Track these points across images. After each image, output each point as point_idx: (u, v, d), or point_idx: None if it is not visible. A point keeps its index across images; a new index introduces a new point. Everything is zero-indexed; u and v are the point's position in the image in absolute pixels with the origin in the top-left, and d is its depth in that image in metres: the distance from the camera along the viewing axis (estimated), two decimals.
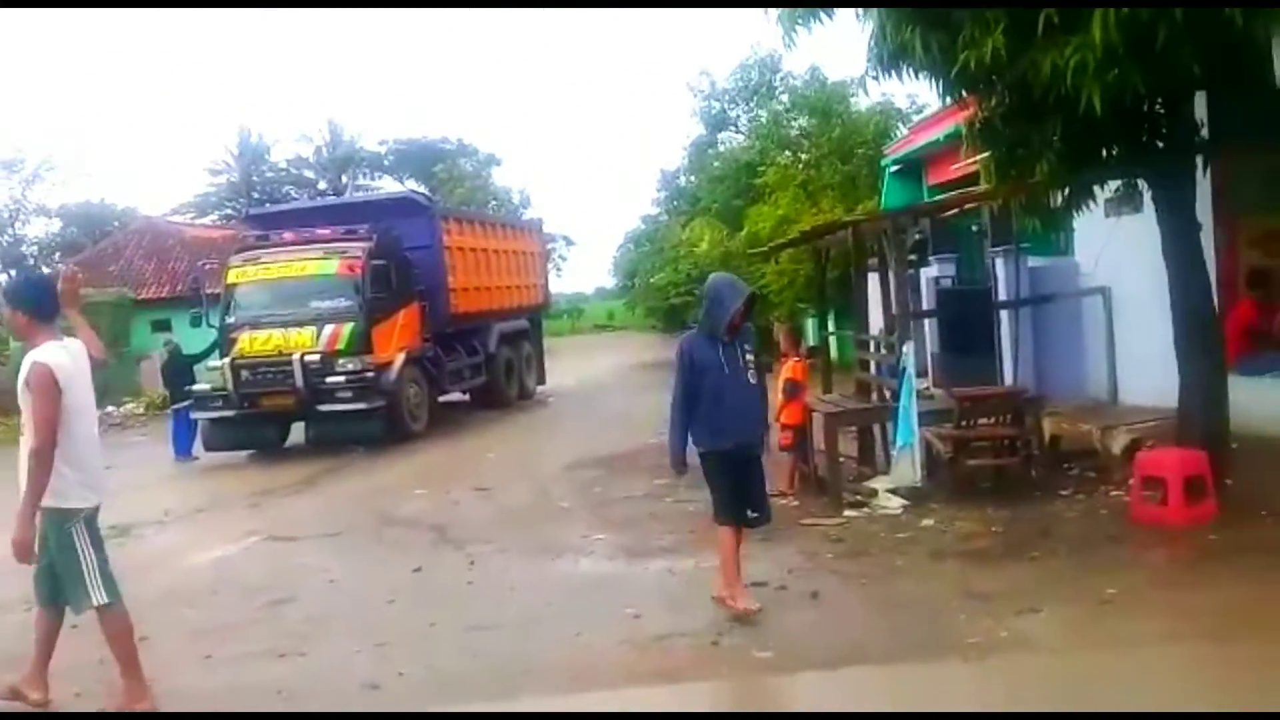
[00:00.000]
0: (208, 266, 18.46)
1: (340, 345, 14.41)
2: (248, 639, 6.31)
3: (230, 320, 15.08)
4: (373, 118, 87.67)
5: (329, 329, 14.51)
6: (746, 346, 6.01)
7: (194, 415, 15.07)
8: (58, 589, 5.13)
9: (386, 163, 51.56)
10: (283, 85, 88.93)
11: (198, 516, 10.84)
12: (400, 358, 15.03)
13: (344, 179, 50.10)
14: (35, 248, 42.32)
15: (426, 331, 16.21)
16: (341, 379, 14.17)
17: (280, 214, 19.98)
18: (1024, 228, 9.94)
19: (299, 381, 14.14)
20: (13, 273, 40.65)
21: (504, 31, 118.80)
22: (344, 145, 50.69)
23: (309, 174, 51.62)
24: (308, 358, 14.17)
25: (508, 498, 10.45)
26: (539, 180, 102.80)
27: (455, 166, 44.36)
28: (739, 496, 6.06)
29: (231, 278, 15.42)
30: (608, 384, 23.79)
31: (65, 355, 4.96)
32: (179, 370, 15.79)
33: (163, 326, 25.92)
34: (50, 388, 4.81)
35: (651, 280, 30.50)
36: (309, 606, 6.99)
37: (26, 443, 4.89)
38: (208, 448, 15.04)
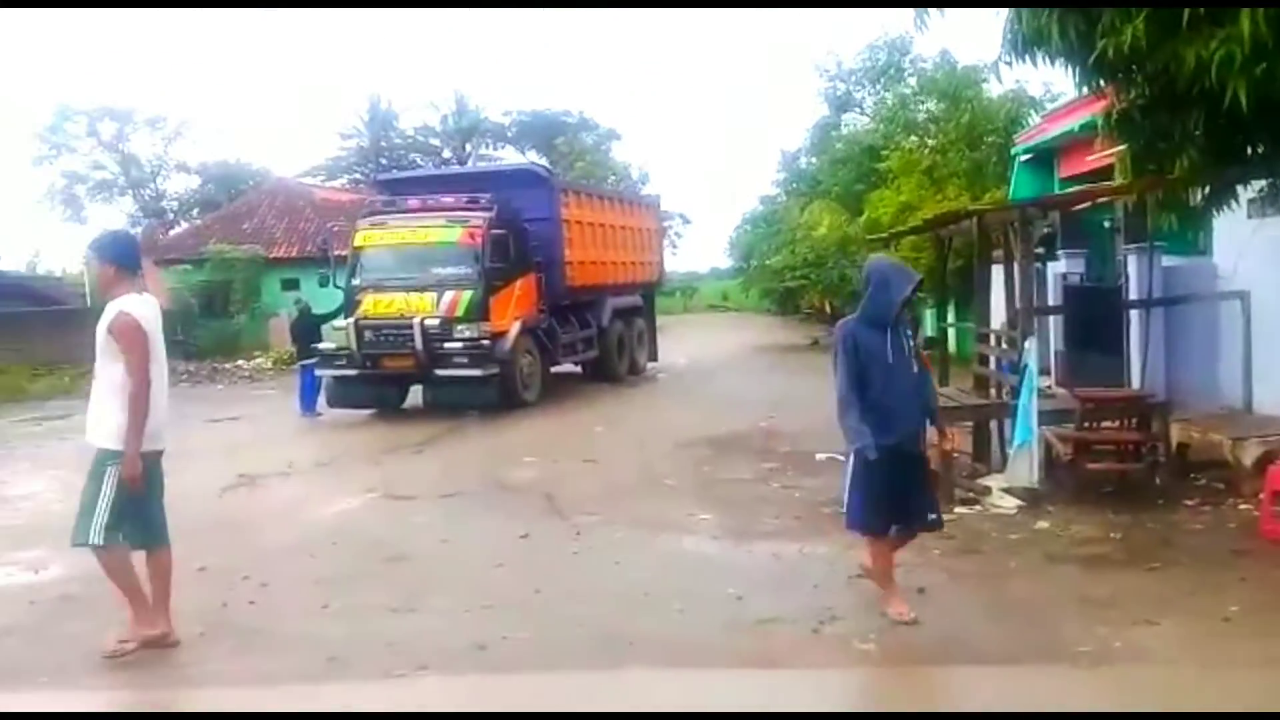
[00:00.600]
0: (335, 229, 19.00)
1: (459, 312, 14.73)
2: (363, 591, 6.55)
3: (356, 282, 15.53)
4: (498, 88, 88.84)
5: (449, 295, 14.84)
6: (909, 334, 5.73)
7: (319, 372, 15.59)
8: (149, 529, 5.46)
9: (509, 134, 52.21)
10: (414, 53, 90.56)
11: (320, 470, 11.27)
12: (515, 327, 15.30)
13: (467, 148, 50.97)
14: (175, 202, 44.31)
15: (542, 303, 16.43)
16: (458, 345, 14.54)
17: (407, 180, 20.33)
18: (1160, 225, 9.57)
19: (418, 345, 14.52)
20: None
21: (631, 6, 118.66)
22: (469, 115, 51.49)
23: (434, 142, 52.64)
24: (427, 322, 14.54)
25: (615, 471, 10.56)
26: (658, 157, 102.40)
27: (576, 140, 44.69)
28: (894, 501, 5.59)
29: (359, 240, 15.89)
30: (719, 365, 23.72)
31: (146, 307, 5.34)
32: (307, 329, 16.38)
33: (291, 285, 26.94)
34: (138, 334, 5.19)
35: (768, 262, 30.23)
36: (421, 564, 7.23)
37: (107, 390, 5.27)
38: (331, 404, 15.52)
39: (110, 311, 5.26)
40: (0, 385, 19.90)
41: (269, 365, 24.92)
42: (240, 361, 25.08)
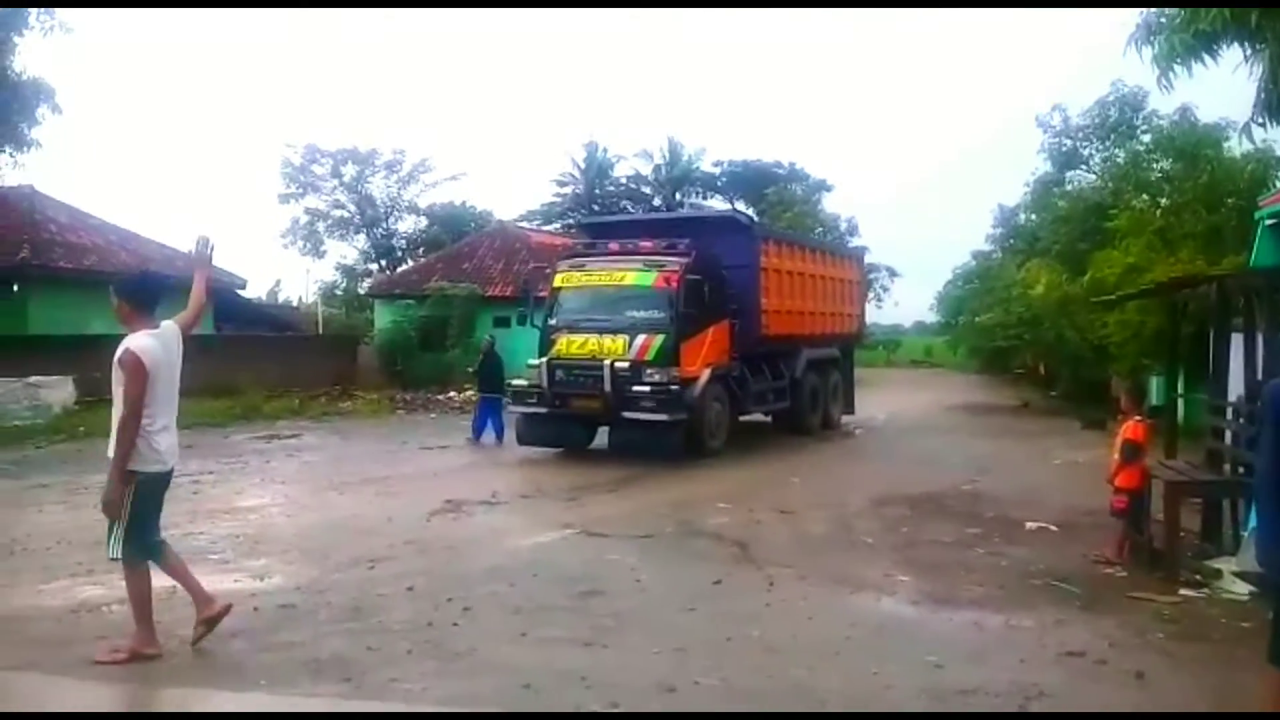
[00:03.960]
0: (537, 268, 19.55)
1: (649, 356, 14.70)
2: (558, 623, 6.69)
3: (552, 322, 15.82)
4: (711, 138, 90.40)
5: (640, 339, 14.84)
6: None
7: (512, 408, 16.02)
8: (132, 544, 5.83)
9: (719, 183, 52.89)
10: (632, 103, 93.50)
11: (522, 502, 11.60)
12: (706, 374, 15.19)
13: (678, 196, 51.89)
14: (404, 241, 47.06)
15: (735, 350, 16.22)
16: (647, 389, 14.45)
17: (609, 224, 20.48)
18: None
19: (607, 386, 14.58)
20: (382, 263, 45.50)
21: (851, 59, 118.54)
22: (681, 164, 52.51)
23: (646, 190, 53.93)
24: (618, 364, 14.59)
25: (810, 524, 10.41)
26: (869, 209, 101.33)
27: (786, 191, 44.77)
28: None
29: (557, 281, 16.19)
30: (920, 422, 23.06)
31: (156, 343, 5.78)
32: (491, 366, 17.67)
33: (503, 323, 27.99)
34: (139, 370, 5.62)
35: (978, 319, 29.22)
36: (615, 601, 7.31)
37: (116, 414, 5.69)
38: (520, 441, 15.76)
39: (122, 346, 5.74)
40: (238, 404, 21.48)
41: (478, 397, 25.92)
42: (452, 393, 26.22)
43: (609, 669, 5.75)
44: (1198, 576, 7.77)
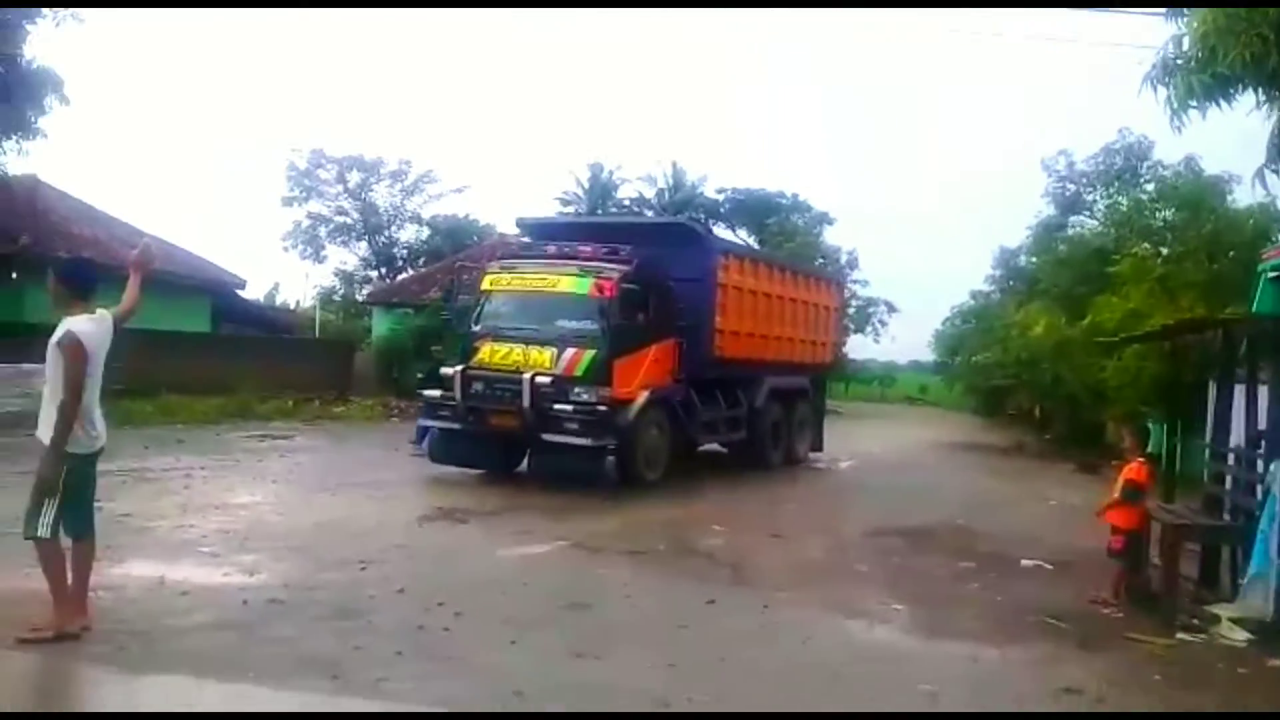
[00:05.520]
0: (461, 266, 18.03)
1: (577, 371, 13.11)
2: (549, 633, 6.62)
3: (476, 328, 14.16)
4: (715, 165, 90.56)
5: (569, 352, 13.22)
6: None
7: (422, 422, 14.76)
8: (81, 521, 5.97)
9: (722, 210, 52.94)
10: (637, 125, 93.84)
11: (513, 512, 11.40)
12: (643, 396, 13.49)
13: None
14: (405, 250, 47.01)
15: (681, 372, 14.54)
16: (570, 408, 12.81)
17: (551, 225, 17.92)
18: None
19: (525, 403, 12.88)
20: (381, 270, 45.42)
21: (859, 91, 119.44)
22: (684, 190, 52.59)
23: (649, 213, 53.93)
24: (538, 379, 12.92)
25: (804, 550, 10.34)
26: (868, 243, 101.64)
27: (788, 221, 44.84)
28: None
29: (486, 283, 14.56)
30: (913, 458, 22.95)
31: (94, 328, 5.87)
32: (433, 379, 16.33)
33: None
34: (80, 353, 5.72)
35: (975, 358, 29.23)
36: (607, 615, 7.25)
37: (50, 395, 5.79)
38: (433, 459, 14.11)
39: (60, 329, 5.81)
40: (231, 402, 21.38)
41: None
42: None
43: (600, 680, 5.68)
44: (1195, 621, 7.69)
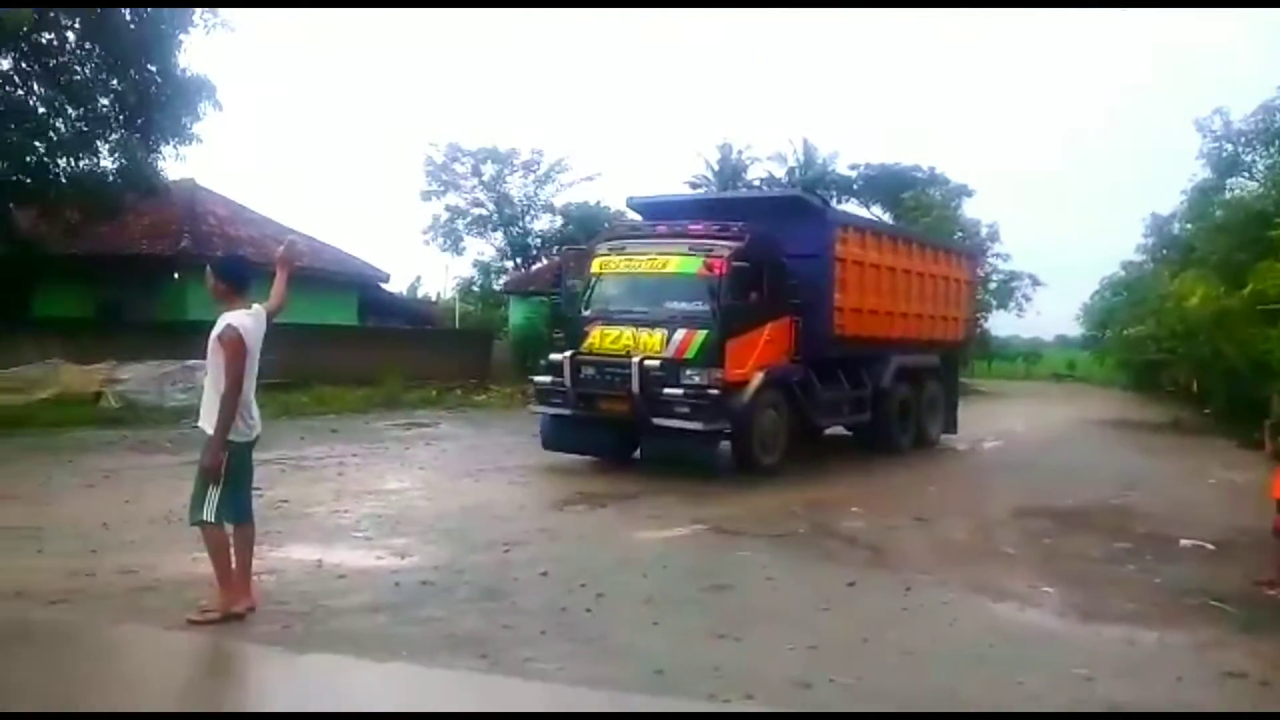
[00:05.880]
0: (569, 249, 17.72)
1: (689, 353, 12.63)
2: (690, 615, 6.69)
3: (586, 312, 13.83)
4: (847, 140, 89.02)
5: (680, 334, 12.76)
6: None
7: (532, 409, 14.45)
8: (240, 506, 6.27)
9: (855, 187, 51.97)
10: (766, 103, 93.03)
11: (651, 496, 11.50)
12: (758, 378, 13.03)
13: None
14: (539, 239, 47.81)
15: (799, 352, 13.94)
16: (680, 392, 12.39)
17: (662, 204, 16.91)
18: None
19: (635, 387, 12.55)
20: (517, 260, 46.38)
21: (992, 59, 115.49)
22: (816, 167, 51.81)
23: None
24: (647, 362, 12.53)
25: (947, 532, 10.13)
26: (1010, 215, 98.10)
27: (924, 195, 43.69)
28: None
29: (595, 266, 14.17)
30: (1062, 436, 22.14)
31: (251, 322, 6.17)
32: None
33: None
34: (239, 346, 6.01)
35: (1127, 332, 27.99)
36: (747, 597, 7.26)
37: (211, 387, 6.13)
38: (545, 445, 13.93)
39: (220, 323, 6.12)
40: (379, 393, 22.19)
41: None
42: None
43: (742, 661, 5.70)
44: None
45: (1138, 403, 33.19)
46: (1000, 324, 44.69)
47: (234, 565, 6.25)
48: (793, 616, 6.73)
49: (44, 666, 5.42)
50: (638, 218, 16.97)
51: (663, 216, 15.03)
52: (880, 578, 8.00)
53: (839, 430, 16.31)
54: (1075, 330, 47.78)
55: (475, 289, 48.95)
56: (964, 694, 5.30)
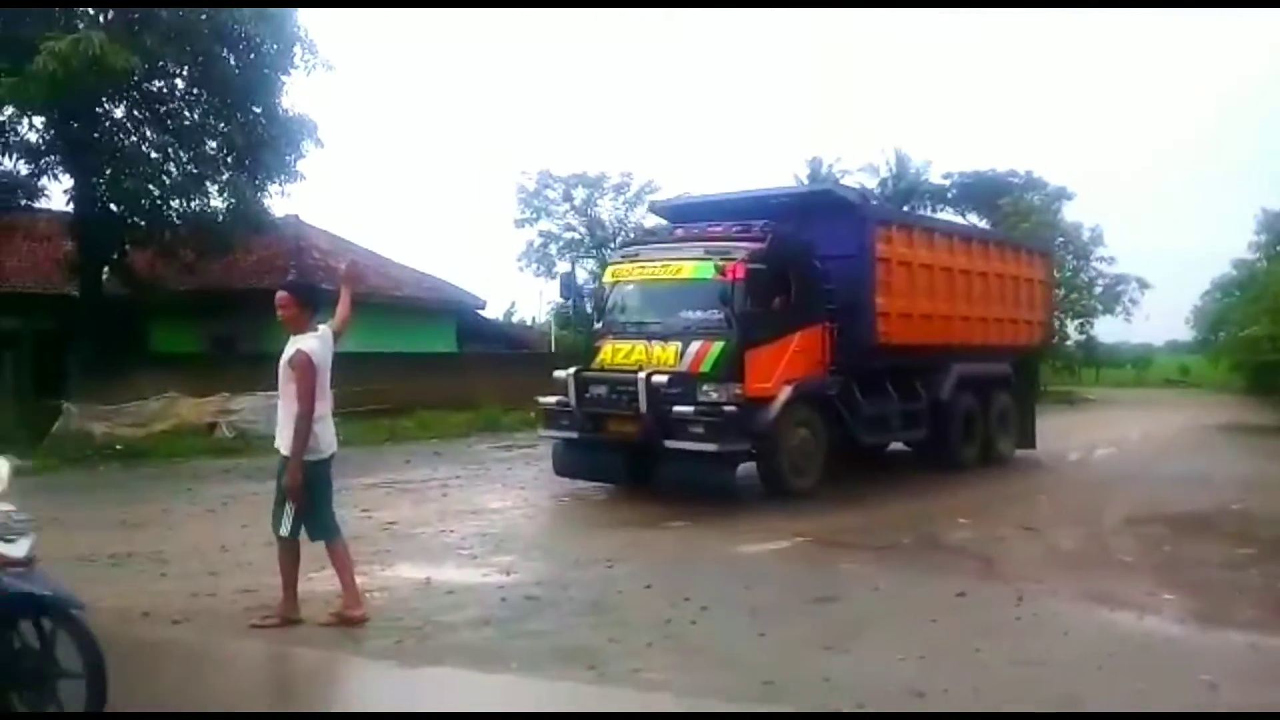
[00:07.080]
0: (577, 260, 17.21)
1: (704, 367, 11.51)
2: (796, 626, 6.66)
3: (597, 326, 13.01)
4: (940, 149, 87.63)
5: (695, 346, 11.64)
6: None
7: (540, 433, 13.47)
8: (325, 525, 6.46)
9: (949, 195, 51.12)
10: (856, 115, 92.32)
11: (753, 510, 11.42)
12: (785, 392, 11.80)
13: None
14: None
15: (838, 363, 12.61)
16: (692, 410, 11.20)
17: (686, 206, 15.51)
18: None
19: (643, 406, 11.40)
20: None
21: (1088, 55, 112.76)
22: (909, 177, 51.13)
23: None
24: (654, 379, 11.39)
25: (1058, 541, 9.90)
26: (1114, 217, 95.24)
27: (1021, 200, 42.70)
28: None
29: (607, 276, 13.29)
30: (1176, 442, 21.30)
31: (319, 344, 6.40)
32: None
33: None
34: (310, 369, 6.24)
35: (1241, 333, 26.91)
36: (854, 608, 7.21)
37: (285, 408, 6.34)
38: (556, 471, 12.87)
39: (292, 347, 6.35)
40: (480, 416, 22.57)
41: None
42: None
43: (851, 672, 5.64)
44: None
45: (1257, 406, 31.82)
46: (1108, 329, 43.36)
47: (341, 580, 6.50)
48: (901, 627, 6.65)
49: (168, 681, 5.65)
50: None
51: (687, 219, 13.89)
52: (991, 588, 7.83)
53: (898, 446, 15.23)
54: (1187, 334, 46.10)
55: (569, 314, 49.49)
56: (1086, 702, 5.15)
